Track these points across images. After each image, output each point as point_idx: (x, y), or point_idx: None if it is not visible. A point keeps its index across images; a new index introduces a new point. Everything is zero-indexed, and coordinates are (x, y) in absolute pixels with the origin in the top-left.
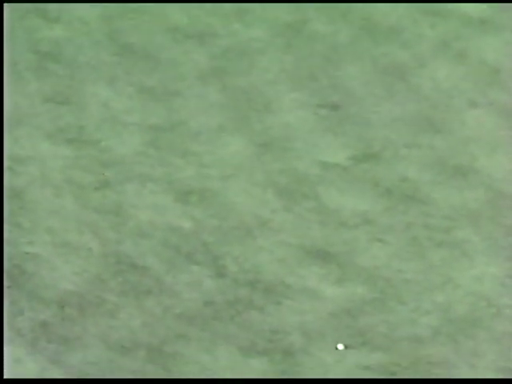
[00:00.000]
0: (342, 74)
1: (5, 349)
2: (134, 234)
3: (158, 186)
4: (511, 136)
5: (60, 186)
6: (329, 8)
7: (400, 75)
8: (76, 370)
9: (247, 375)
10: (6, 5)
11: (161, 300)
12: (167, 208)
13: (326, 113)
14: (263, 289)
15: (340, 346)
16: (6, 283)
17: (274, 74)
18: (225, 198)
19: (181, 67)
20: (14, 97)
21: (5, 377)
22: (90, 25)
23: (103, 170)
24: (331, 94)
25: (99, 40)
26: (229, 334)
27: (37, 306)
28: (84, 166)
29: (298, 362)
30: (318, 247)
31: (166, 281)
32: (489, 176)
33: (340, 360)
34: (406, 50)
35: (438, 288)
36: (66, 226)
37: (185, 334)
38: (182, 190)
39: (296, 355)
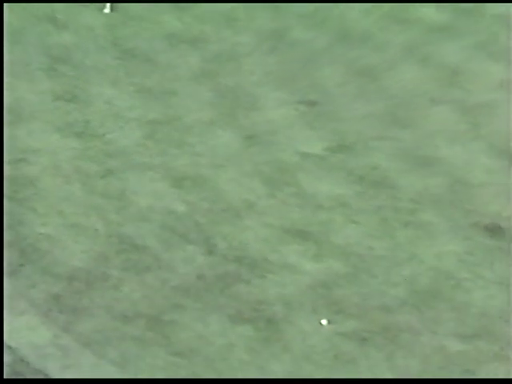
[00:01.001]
0: (320, 75)
1: (20, 318)
2: (135, 217)
3: (156, 173)
4: (469, 129)
5: (69, 174)
6: (308, 17)
7: (371, 76)
8: (84, 337)
9: (235, 341)
10: (19, 11)
11: (159, 275)
12: (164, 193)
13: (305, 109)
14: (249, 264)
15: (324, 321)
16: (20, 261)
17: (259, 75)
18: (215, 184)
19: (176, 69)
20: (27, 94)
21: (19, 344)
22: (95, 31)
23: (108, 160)
24: (310, 93)
25: (103, 45)
26: (219, 304)
27: (49, 280)
28: (90, 157)
29: (280, 329)
30: (298, 227)
31: (163, 258)
32: (450, 165)
33: (317, 327)
34: (376, 54)
35: (404, 263)
36: (75, 210)
37: (180, 304)
38: (178, 176)
39: (278, 323)
